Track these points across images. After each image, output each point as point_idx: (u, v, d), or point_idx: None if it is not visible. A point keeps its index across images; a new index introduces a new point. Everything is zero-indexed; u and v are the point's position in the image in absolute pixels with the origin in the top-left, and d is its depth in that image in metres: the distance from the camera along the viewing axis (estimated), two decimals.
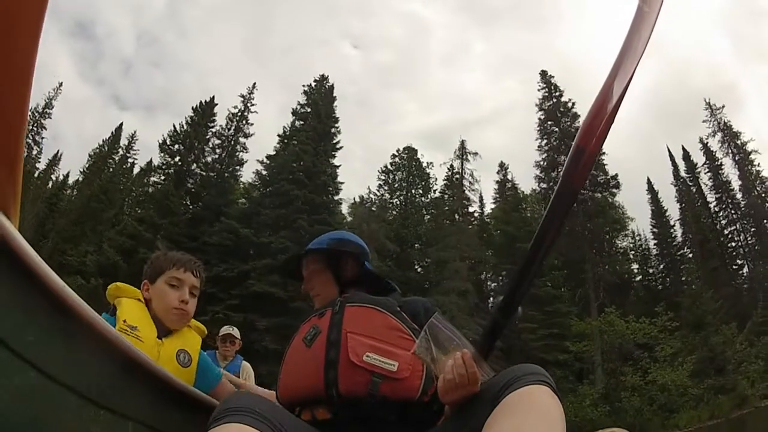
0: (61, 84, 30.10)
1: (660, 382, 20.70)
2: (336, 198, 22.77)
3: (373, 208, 22.61)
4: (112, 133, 30.65)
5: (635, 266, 28.80)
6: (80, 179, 30.74)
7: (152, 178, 28.20)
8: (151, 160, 29.46)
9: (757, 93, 48.00)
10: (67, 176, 30.83)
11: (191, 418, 1.13)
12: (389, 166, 26.66)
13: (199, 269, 1.45)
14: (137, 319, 1.29)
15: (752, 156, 29.56)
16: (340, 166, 23.32)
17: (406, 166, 26.91)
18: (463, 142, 24.04)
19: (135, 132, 31.08)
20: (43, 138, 29.45)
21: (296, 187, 21.80)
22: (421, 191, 26.81)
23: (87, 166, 30.60)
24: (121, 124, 31.12)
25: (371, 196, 23.97)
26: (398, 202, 26.39)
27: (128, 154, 31.19)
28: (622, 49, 0.64)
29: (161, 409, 1.04)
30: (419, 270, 22.11)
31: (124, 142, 30.91)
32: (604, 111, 0.62)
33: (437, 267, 20.46)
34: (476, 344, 0.94)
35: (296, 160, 22.59)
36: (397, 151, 27.28)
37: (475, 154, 24.06)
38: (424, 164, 27.27)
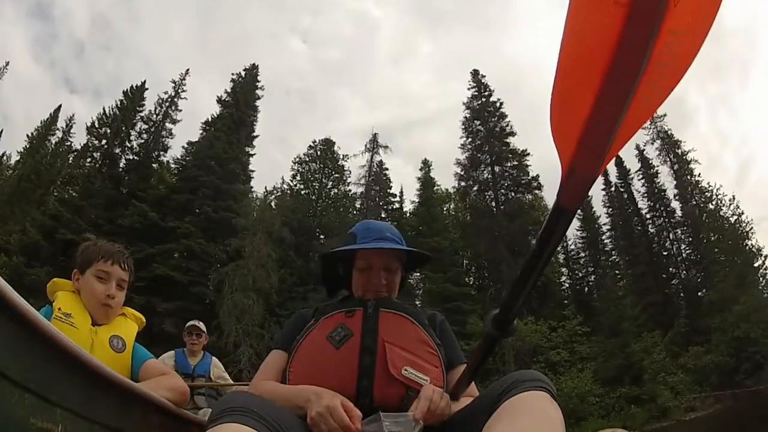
0: (7, 63, 30.28)
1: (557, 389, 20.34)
2: (248, 186, 22.78)
3: (279, 197, 22.56)
4: (50, 114, 30.75)
5: (564, 270, 28.59)
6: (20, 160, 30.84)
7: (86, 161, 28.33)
8: (87, 142, 29.58)
9: (707, 109, 48.02)
10: (3, 156, 30.94)
11: (123, 407, 1.12)
12: (303, 157, 26.77)
13: (127, 261, 1.46)
14: (71, 308, 1.32)
15: (692, 165, 29.39)
16: (254, 155, 23.39)
17: (321, 158, 26.89)
18: (375, 135, 24.02)
19: (73, 115, 31.11)
20: None
21: (205, 173, 21.80)
22: (333, 182, 26.76)
23: (25, 147, 30.71)
24: (60, 106, 31.15)
25: (284, 186, 24.04)
26: (309, 193, 26.25)
27: (68, 137, 31.24)
28: None
29: (91, 398, 1.01)
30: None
31: (62, 124, 30.97)
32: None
33: None
34: (471, 356, 0.97)
35: (210, 147, 22.60)
36: (314, 142, 27.44)
37: (386, 147, 24.01)
38: (340, 156, 27.39)
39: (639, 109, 0.46)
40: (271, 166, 55.72)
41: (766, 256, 25.60)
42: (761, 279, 25.50)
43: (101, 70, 54.78)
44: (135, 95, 26.69)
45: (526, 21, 72.58)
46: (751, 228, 26.47)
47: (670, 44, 0.42)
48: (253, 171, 23.07)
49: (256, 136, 23.95)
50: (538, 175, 24.66)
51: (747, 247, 25.72)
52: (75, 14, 61.34)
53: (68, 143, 31.30)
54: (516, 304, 0.75)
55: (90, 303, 1.36)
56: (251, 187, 23.37)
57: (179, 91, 26.75)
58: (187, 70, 27.03)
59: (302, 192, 25.83)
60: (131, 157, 26.00)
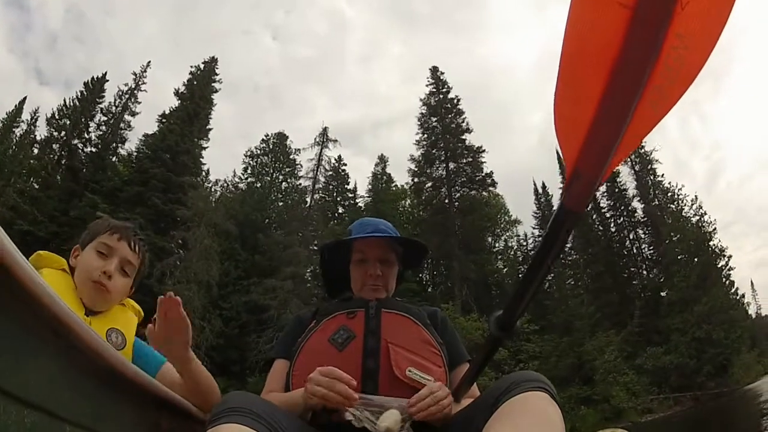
0: None
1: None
2: (200, 179, 22.88)
3: (229, 189, 22.71)
4: (15, 106, 30.79)
5: (521, 268, 28.60)
6: None
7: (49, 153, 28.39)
8: (50, 134, 29.63)
9: (677, 116, 48.02)
10: None
11: (141, 413, 0.92)
12: (255, 150, 26.89)
13: (138, 242, 1.20)
14: (58, 290, 1.03)
15: (654, 165, 29.35)
16: (207, 147, 23.52)
17: (273, 152, 26.99)
18: (325, 129, 24.10)
19: (38, 107, 31.14)
20: None
21: (156, 165, 21.92)
22: (284, 176, 26.83)
23: None
24: (25, 98, 31.17)
25: (235, 179, 24.13)
26: (261, 186, 26.31)
27: (32, 129, 31.29)
28: None
29: (106, 407, 0.80)
30: (268, 254, 22.08)
31: (27, 116, 31.02)
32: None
33: (281, 251, 20.50)
34: (474, 357, 0.96)
35: (163, 139, 22.73)
36: (266, 135, 27.55)
37: (335, 141, 24.12)
38: (292, 150, 27.46)
39: (647, 114, 0.46)
40: (237, 162, 55.81)
41: (729, 257, 25.54)
42: (724, 279, 25.34)
43: (73, 62, 54.59)
44: (95, 87, 26.75)
45: (497, 25, 73.04)
46: (714, 228, 26.26)
47: (677, 48, 0.40)
48: (204, 164, 23.29)
49: (210, 129, 24.13)
50: (492, 172, 24.71)
51: (709, 248, 25.46)
52: (50, 5, 61.05)
53: (32, 135, 31.41)
54: (520, 306, 0.73)
55: (80, 280, 1.10)
56: (208, 180, 23.61)
57: (140, 83, 26.83)
58: (149, 62, 27.11)
59: (255, 185, 25.93)
60: (90, 149, 26.10)
